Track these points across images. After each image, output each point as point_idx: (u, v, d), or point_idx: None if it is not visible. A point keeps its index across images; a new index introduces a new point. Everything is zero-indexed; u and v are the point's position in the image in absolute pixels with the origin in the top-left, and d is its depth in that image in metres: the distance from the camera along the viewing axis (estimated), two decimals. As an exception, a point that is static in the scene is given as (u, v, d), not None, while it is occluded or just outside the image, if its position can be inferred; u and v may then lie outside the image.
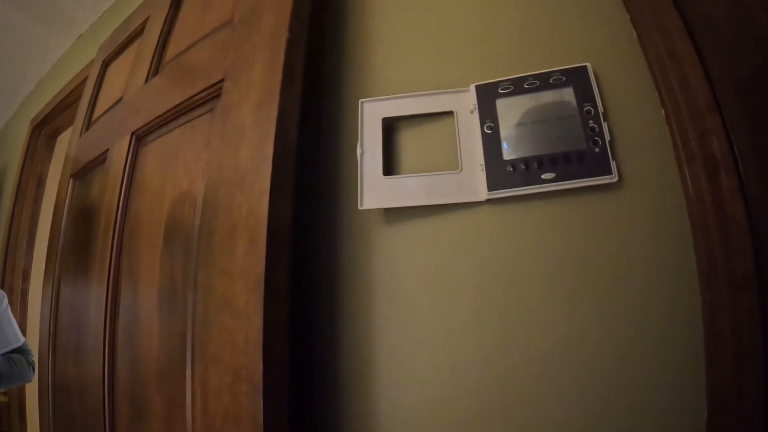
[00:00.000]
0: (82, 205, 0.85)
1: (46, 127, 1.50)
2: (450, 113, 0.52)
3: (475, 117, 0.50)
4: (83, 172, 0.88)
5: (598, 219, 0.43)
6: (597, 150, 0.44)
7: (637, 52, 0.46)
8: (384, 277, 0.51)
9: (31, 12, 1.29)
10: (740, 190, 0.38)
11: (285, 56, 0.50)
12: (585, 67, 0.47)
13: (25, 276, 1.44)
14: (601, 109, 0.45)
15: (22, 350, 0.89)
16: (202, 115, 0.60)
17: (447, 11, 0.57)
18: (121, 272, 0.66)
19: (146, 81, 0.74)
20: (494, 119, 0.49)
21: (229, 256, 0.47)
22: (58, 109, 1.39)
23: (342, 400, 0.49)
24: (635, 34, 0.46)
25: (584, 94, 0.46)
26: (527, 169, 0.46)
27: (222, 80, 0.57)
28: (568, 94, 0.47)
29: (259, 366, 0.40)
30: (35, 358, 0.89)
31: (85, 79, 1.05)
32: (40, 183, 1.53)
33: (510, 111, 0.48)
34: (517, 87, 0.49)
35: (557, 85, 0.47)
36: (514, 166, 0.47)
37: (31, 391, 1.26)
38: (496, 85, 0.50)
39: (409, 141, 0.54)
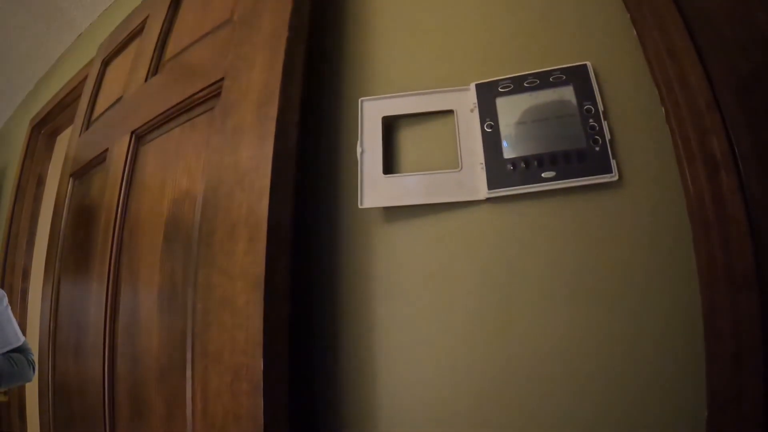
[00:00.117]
0: (82, 205, 0.85)
1: (46, 127, 1.50)
2: (450, 112, 0.52)
3: (475, 116, 0.50)
4: (83, 171, 0.88)
5: (598, 218, 0.43)
6: (597, 149, 0.44)
7: (637, 51, 0.46)
8: (384, 276, 0.51)
9: (31, 11, 1.29)
10: (740, 190, 0.38)
11: (285, 55, 0.50)
12: (585, 65, 0.47)
13: (25, 275, 1.44)
14: (601, 108, 0.45)
15: (22, 350, 0.89)
16: (202, 114, 0.60)
17: (447, 10, 0.57)
18: (121, 271, 0.66)
19: (146, 80, 0.74)
20: (494, 118, 0.49)
21: (229, 256, 0.47)
22: (58, 109, 1.39)
23: (342, 399, 0.49)
24: (635, 32, 0.46)
25: (584, 93, 0.46)
26: (527, 168, 0.46)
27: (222, 79, 0.57)
28: (568, 93, 0.47)
29: (260, 365, 0.40)
30: (35, 358, 0.89)
31: (84, 79, 1.05)
32: (40, 182, 1.53)
33: (510, 109, 0.48)
34: (517, 85, 0.49)
35: (557, 83, 0.47)
36: (514, 165, 0.47)
37: (31, 390, 1.26)
38: (496, 83, 0.50)
39: (409, 140, 0.54)
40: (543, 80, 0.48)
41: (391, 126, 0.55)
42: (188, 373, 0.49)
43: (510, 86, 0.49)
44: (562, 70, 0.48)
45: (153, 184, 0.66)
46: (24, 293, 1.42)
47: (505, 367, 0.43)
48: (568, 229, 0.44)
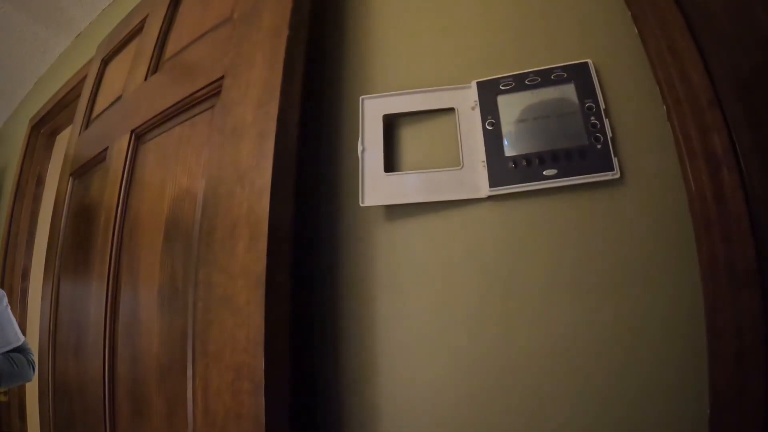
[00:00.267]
0: (81, 204, 0.84)
1: (46, 126, 1.50)
2: (451, 110, 0.52)
3: (477, 113, 0.50)
4: (83, 170, 0.87)
5: (599, 215, 0.43)
6: (599, 146, 0.44)
7: (638, 49, 0.45)
8: (385, 274, 0.50)
9: (30, 11, 1.29)
10: (741, 187, 0.38)
11: (285, 53, 0.50)
12: (586, 63, 0.47)
13: (25, 275, 1.44)
14: (602, 106, 0.45)
15: (22, 349, 0.88)
16: (202, 112, 0.60)
17: (448, 7, 0.56)
18: (121, 271, 0.66)
19: (146, 79, 0.74)
20: (495, 116, 0.49)
21: (230, 254, 0.47)
22: (57, 108, 1.38)
23: (344, 398, 0.49)
24: (636, 30, 0.46)
25: (586, 91, 0.46)
26: (529, 166, 0.46)
27: (222, 77, 0.56)
28: (569, 91, 0.47)
29: (261, 364, 0.40)
30: (35, 358, 0.88)
31: (84, 78, 1.05)
32: (40, 182, 1.52)
33: (511, 107, 0.48)
34: (519, 83, 0.49)
35: (558, 81, 0.47)
36: (515, 163, 0.46)
37: (31, 390, 1.26)
38: (497, 81, 0.50)
39: (410, 138, 0.54)
40: (544, 78, 0.48)
41: (392, 124, 0.55)
42: (189, 372, 0.49)
43: (511, 84, 0.49)
44: (564, 68, 0.48)
45: (153, 183, 0.65)
46: (24, 293, 1.42)
47: (507, 365, 0.43)
48: (570, 227, 0.44)
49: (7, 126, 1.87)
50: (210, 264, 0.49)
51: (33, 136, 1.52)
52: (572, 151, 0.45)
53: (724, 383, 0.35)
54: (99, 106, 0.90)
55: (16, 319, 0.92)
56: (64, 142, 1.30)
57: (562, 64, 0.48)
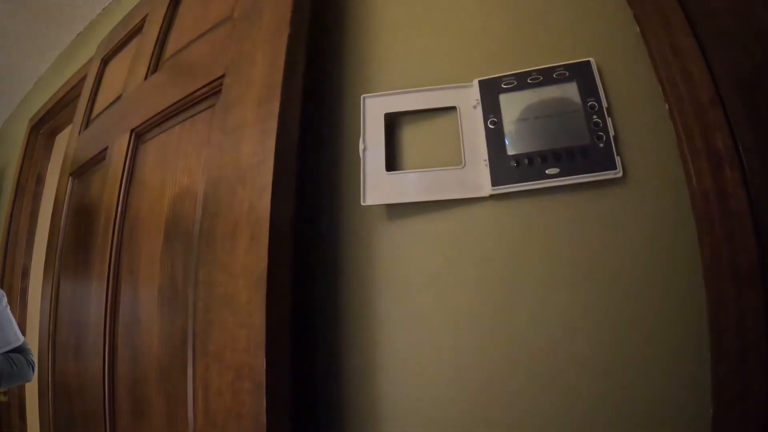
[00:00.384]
0: (81, 203, 0.84)
1: (45, 126, 1.50)
2: (453, 108, 0.52)
3: (479, 112, 0.50)
4: (82, 170, 0.87)
5: (602, 214, 0.43)
6: (601, 145, 0.44)
7: (640, 47, 0.45)
8: (387, 273, 0.50)
9: (30, 10, 1.29)
10: (744, 185, 0.38)
11: (286, 51, 0.50)
12: (588, 62, 0.47)
13: (25, 275, 1.43)
14: (605, 104, 0.45)
15: (21, 349, 0.88)
16: (203, 111, 0.60)
17: (450, 6, 0.56)
18: (121, 270, 0.66)
19: (146, 78, 0.74)
20: (497, 114, 0.49)
21: (231, 253, 0.46)
22: (57, 108, 1.38)
23: (345, 398, 0.48)
24: (638, 29, 0.46)
25: (588, 89, 0.46)
26: (531, 165, 0.46)
27: (222, 76, 0.56)
28: (571, 89, 0.46)
29: (262, 364, 0.40)
30: (35, 358, 0.88)
31: (83, 78, 1.05)
32: (39, 181, 1.52)
33: (513, 106, 0.48)
34: (521, 82, 0.49)
35: (561, 80, 0.47)
36: (517, 162, 0.46)
37: (31, 390, 1.26)
38: (499, 80, 0.50)
39: (411, 136, 0.54)
40: (546, 77, 0.48)
41: (393, 123, 0.55)
42: (189, 372, 0.48)
43: (513, 83, 0.49)
44: (566, 67, 0.47)
45: (153, 182, 0.65)
46: (23, 293, 1.42)
47: (509, 364, 0.43)
48: (573, 226, 0.44)
49: (6, 126, 1.86)
50: (210, 263, 0.49)
51: (33, 135, 1.52)
52: (574, 150, 0.45)
53: (727, 381, 0.35)
54: (99, 105, 0.90)
55: (16, 319, 0.92)
56: (63, 141, 1.30)
57: (564, 63, 0.48)
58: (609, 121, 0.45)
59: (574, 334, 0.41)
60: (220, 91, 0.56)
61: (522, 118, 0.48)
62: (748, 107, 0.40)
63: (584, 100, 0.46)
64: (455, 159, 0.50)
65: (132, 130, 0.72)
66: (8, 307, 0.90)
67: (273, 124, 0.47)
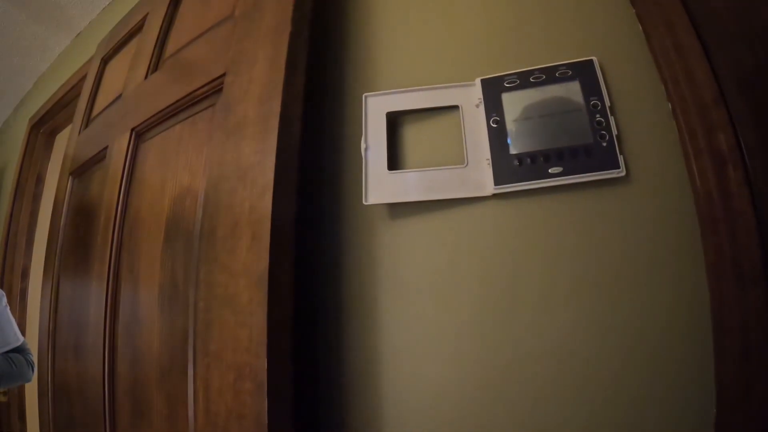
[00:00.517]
0: (81, 203, 0.84)
1: (45, 126, 1.49)
2: (455, 107, 0.52)
3: (481, 111, 0.50)
4: (82, 169, 0.87)
5: (605, 213, 0.43)
6: (604, 144, 0.44)
7: (642, 46, 0.45)
8: (389, 273, 0.50)
9: (30, 10, 1.28)
10: (747, 184, 0.38)
11: (287, 50, 0.49)
12: (591, 60, 0.47)
13: (24, 275, 1.43)
14: (607, 103, 0.45)
15: (21, 350, 0.88)
16: (204, 110, 0.60)
17: (452, 4, 0.56)
18: (121, 270, 0.66)
19: (146, 77, 0.73)
20: (500, 113, 0.48)
21: (232, 253, 0.46)
22: (57, 107, 1.38)
23: (347, 398, 0.48)
24: (641, 28, 0.46)
25: (591, 88, 0.46)
26: (534, 164, 0.46)
27: (223, 75, 0.56)
28: (574, 88, 0.46)
29: (263, 364, 0.40)
30: (34, 358, 0.88)
31: (83, 77, 1.04)
32: (39, 181, 1.52)
33: (516, 105, 0.48)
34: (523, 81, 0.48)
35: (563, 78, 0.47)
36: (520, 161, 0.46)
37: (31, 390, 1.25)
38: (501, 78, 0.49)
39: (413, 135, 0.54)
40: (549, 75, 0.48)
41: (395, 122, 0.55)
42: (190, 372, 0.48)
43: (516, 81, 0.49)
44: (569, 66, 0.47)
45: (153, 181, 0.65)
46: (23, 293, 1.41)
47: (512, 364, 0.43)
48: (575, 225, 0.44)
49: (6, 125, 1.86)
50: (211, 263, 0.49)
51: (33, 135, 1.51)
52: (577, 149, 0.44)
53: (730, 381, 0.35)
54: (99, 104, 0.90)
55: (16, 319, 0.91)
56: (63, 141, 1.30)
57: (566, 62, 0.48)
58: (612, 120, 0.45)
59: (577, 334, 0.41)
60: (221, 90, 0.56)
61: (525, 117, 0.48)
62: (751, 107, 0.40)
63: (587, 99, 0.46)
64: (457, 158, 0.50)
65: (132, 130, 0.71)
66: (8, 307, 0.90)
67: (274, 123, 0.47)
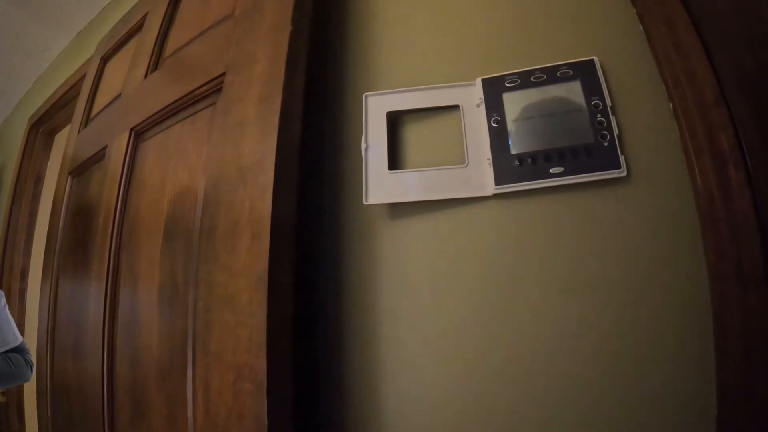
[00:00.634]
0: (80, 203, 0.84)
1: (44, 125, 1.49)
2: (456, 107, 0.51)
3: (482, 111, 0.49)
4: (81, 168, 0.87)
5: (606, 213, 0.43)
6: (605, 144, 0.44)
7: (643, 46, 0.45)
8: (389, 273, 0.50)
9: (29, 9, 1.28)
10: (748, 184, 0.38)
11: (288, 49, 0.49)
12: (592, 60, 0.47)
13: (23, 275, 1.43)
14: (609, 103, 0.45)
15: (20, 349, 0.87)
16: (203, 109, 0.60)
17: (453, 4, 0.56)
18: (120, 270, 0.65)
19: (145, 76, 0.73)
20: (501, 113, 0.48)
21: (232, 253, 0.46)
22: (56, 107, 1.37)
23: (347, 399, 0.48)
24: (642, 28, 0.46)
25: (592, 88, 0.46)
26: (535, 164, 0.45)
27: (223, 74, 0.56)
28: (575, 88, 0.46)
29: (263, 364, 0.40)
30: (33, 358, 0.88)
31: (83, 76, 1.04)
32: (38, 181, 1.51)
33: (517, 104, 0.48)
34: (524, 80, 0.48)
35: (564, 78, 0.47)
36: (521, 161, 0.46)
37: (30, 390, 1.25)
38: (502, 78, 0.49)
39: (414, 135, 0.53)
40: (550, 75, 0.48)
41: (396, 121, 0.54)
42: (189, 372, 0.48)
43: (517, 81, 0.49)
44: (569, 65, 0.47)
45: (153, 181, 0.65)
46: (22, 293, 1.41)
47: (512, 365, 0.43)
48: (577, 225, 0.44)
49: (5, 125, 1.86)
50: (211, 262, 0.48)
51: (32, 134, 1.51)
52: (579, 149, 0.44)
53: (731, 382, 0.35)
54: (98, 104, 0.90)
55: (15, 319, 0.91)
56: (63, 141, 1.29)
57: (567, 62, 0.48)
58: (613, 120, 0.45)
59: (578, 334, 0.41)
60: (220, 89, 0.56)
61: (525, 117, 0.48)
62: (752, 106, 0.40)
63: (588, 99, 0.46)
64: (458, 158, 0.50)
65: (131, 129, 0.71)
66: (7, 307, 0.89)
67: (275, 122, 0.47)
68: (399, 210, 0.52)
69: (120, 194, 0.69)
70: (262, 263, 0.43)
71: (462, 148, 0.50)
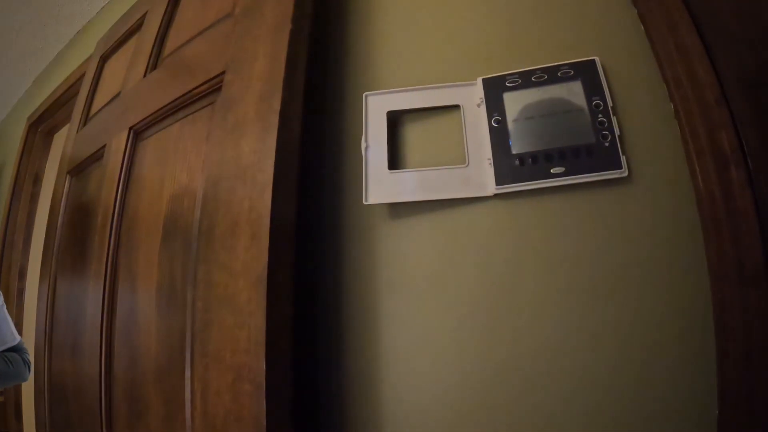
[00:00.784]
0: (78, 202, 0.83)
1: (43, 125, 1.49)
2: (456, 107, 0.51)
3: (482, 110, 0.49)
4: (80, 168, 0.86)
5: (607, 214, 0.43)
6: (606, 144, 0.44)
7: (645, 47, 0.45)
8: (389, 273, 0.50)
9: (29, 8, 1.28)
10: (749, 185, 0.38)
11: (288, 48, 0.49)
12: (593, 60, 0.47)
13: (22, 274, 1.42)
14: (610, 103, 0.45)
15: (18, 349, 0.87)
16: (203, 108, 0.59)
17: (453, 3, 0.56)
18: (118, 269, 0.65)
19: (145, 75, 0.73)
20: (502, 113, 0.48)
21: (231, 252, 0.46)
22: (55, 106, 1.37)
23: (347, 400, 0.48)
24: (643, 28, 0.46)
25: (593, 88, 0.46)
26: (536, 164, 0.45)
27: (223, 73, 0.56)
28: (576, 88, 0.46)
29: (262, 365, 0.40)
30: (31, 357, 0.87)
31: (82, 75, 1.04)
32: (37, 180, 1.51)
33: (518, 104, 0.48)
34: (525, 80, 0.48)
35: (565, 78, 0.47)
36: (522, 161, 0.46)
37: (28, 390, 1.24)
38: (503, 78, 0.49)
39: (414, 135, 0.53)
40: (551, 75, 0.47)
41: (396, 121, 0.54)
42: (187, 372, 0.48)
43: (517, 81, 0.49)
44: (570, 65, 0.47)
45: (151, 180, 0.64)
46: (21, 292, 1.41)
47: (512, 365, 0.42)
48: (577, 225, 0.44)
49: (4, 124, 1.85)
50: (210, 262, 0.48)
51: (31, 134, 1.51)
52: (580, 149, 0.44)
53: (732, 382, 0.35)
54: (97, 103, 0.89)
55: (13, 319, 0.91)
56: (61, 140, 1.29)
57: (568, 62, 0.47)
58: (614, 120, 0.45)
59: (578, 334, 0.41)
60: (220, 88, 0.56)
61: (526, 117, 0.47)
62: (753, 107, 0.40)
63: (589, 99, 0.46)
64: (458, 158, 0.50)
65: (130, 128, 0.71)
66: (5, 307, 0.89)
67: (274, 121, 0.46)
68: (399, 210, 0.51)
69: (119, 193, 0.69)
70: (262, 263, 0.42)
71: (462, 147, 0.50)
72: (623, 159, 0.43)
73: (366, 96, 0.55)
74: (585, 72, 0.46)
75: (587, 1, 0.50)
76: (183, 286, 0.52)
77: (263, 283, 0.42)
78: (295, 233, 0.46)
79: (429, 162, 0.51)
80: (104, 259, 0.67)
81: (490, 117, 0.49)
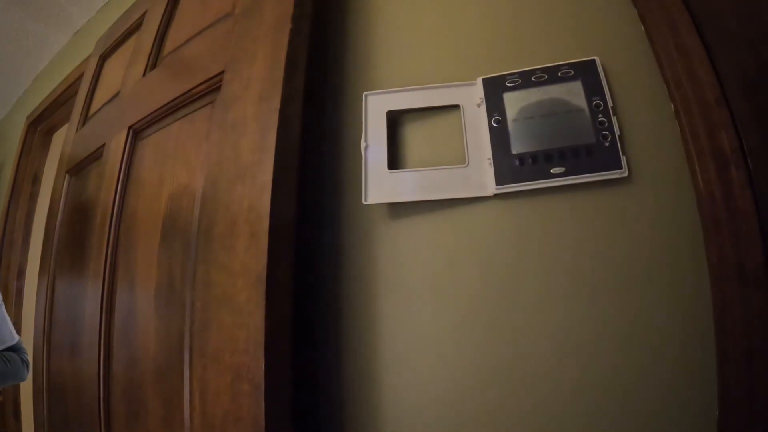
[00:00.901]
0: (77, 202, 0.83)
1: (42, 124, 1.49)
2: (456, 107, 0.51)
3: (482, 110, 0.49)
4: (79, 167, 0.86)
5: (607, 214, 0.43)
6: (606, 144, 0.44)
7: (645, 47, 0.45)
8: (389, 273, 0.50)
9: (28, 8, 1.28)
10: (750, 185, 0.38)
11: (287, 47, 0.49)
12: (593, 60, 0.47)
13: (20, 274, 1.42)
14: (610, 103, 0.45)
15: (16, 348, 0.87)
16: (202, 107, 0.59)
17: (453, 3, 0.56)
18: (117, 269, 0.65)
19: (144, 75, 0.73)
20: (502, 113, 0.48)
21: (230, 252, 0.46)
22: (55, 106, 1.37)
23: (346, 400, 0.48)
24: (643, 28, 0.46)
25: (593, 88, 0.46)
26: (536, 164, 0.45)
27: (222, 72, 0.56)
28: (576, 88, 0.46)
29: (261, 365, 0.39)
30: (30, 357, 0.87)
31: (81, 75, 1.04)
32: (36, 180, 1.51)
33: (518, 104, 0.48)
34: (525, 80, 0.48)
35: (565, 78, 0.47)
36: (522, 161, 0.46)
37: (26, 390, 1.24)
38: (503, 78, 0.49)
39: (414, 135, 0.53)
40: (551, 75, 0.47)
41: (396, 121, 0.54)
42: (186, 373, 0.48)
43: (518, 81, 0.49)
44: (571, 65, 0.47)
45: (150, 179, 0.64)
46: (19, 292, 1.40)
47: (512, 366, 0.42)
48: (577, 225, 0.43)
49: (3, 123, 1.85)
50: (209, 262, 0.48)
51: (30, 133, 1.51)
52: (580, 149, 0.44)
53: (733, 383, 0.35)
54: (96, 102, 0.89)
55: (11, 318, 0.90)
56: (61, 140, 1.29)
57: (569, 62, 0.47)
58: (614, 120, 0.44)
59: (578, 335, 0.41)
60: (219, 87, 0.56)
61: (526, 117, 0.47)
62: (753, 107, 0.40)
63: (589, 99, 0.46)
64: (458, 158, 0.50)
65: (130, 127, 0.71)
66: (3, 306, 0.89)
67: (274, 120, 0.46)
68: (399, 210, 0.51)
69: (117, 193, 0.68)
70: (261, 263, 0.42)
71: (462, 147, 0.50)
72: (623, 159, 0.43)
73: (366, 96, 0.55)
74: (585, 72, 0.46)
75: (587, 1, 0.50)
76: (182, 286, 0.52)
77: (262, 283, 0.42)
78: (294, 233, 0.46)
79: (429, 162, 0.51)
80: (103, 259, 0.67)
81: (490, 117, 0.49)
